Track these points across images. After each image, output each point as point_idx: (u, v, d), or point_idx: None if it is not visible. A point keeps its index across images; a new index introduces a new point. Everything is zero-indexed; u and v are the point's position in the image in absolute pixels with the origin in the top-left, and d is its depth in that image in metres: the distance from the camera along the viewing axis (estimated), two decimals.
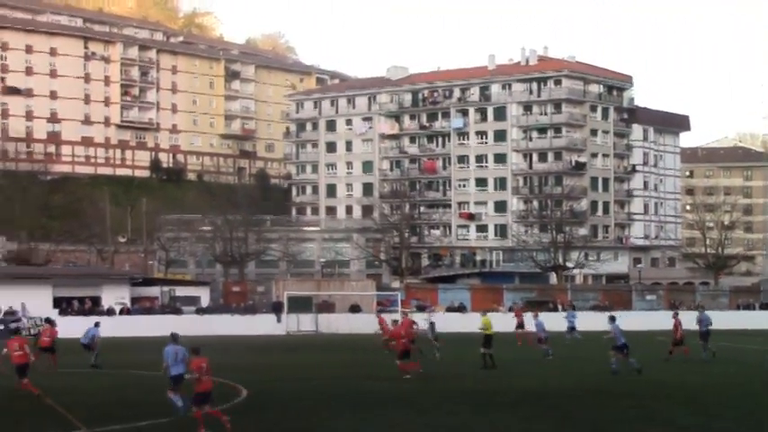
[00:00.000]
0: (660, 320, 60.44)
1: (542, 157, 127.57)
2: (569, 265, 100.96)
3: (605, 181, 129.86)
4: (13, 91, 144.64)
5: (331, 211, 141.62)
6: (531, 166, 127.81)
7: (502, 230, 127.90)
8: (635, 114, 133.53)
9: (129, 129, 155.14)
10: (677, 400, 28.82)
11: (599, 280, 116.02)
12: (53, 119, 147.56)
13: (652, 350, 43.46)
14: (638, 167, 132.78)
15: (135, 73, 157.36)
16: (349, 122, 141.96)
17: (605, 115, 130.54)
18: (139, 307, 70.85)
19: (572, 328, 57.31)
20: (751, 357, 45.35)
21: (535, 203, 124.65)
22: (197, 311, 71.00)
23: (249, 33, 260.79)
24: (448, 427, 23.62)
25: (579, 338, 55.09)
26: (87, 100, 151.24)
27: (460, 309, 75.19)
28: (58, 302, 67.73)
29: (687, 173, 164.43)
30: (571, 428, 23.71)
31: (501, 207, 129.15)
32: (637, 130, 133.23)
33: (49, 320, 43.21)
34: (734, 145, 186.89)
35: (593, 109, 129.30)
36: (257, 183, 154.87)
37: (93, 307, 68.16)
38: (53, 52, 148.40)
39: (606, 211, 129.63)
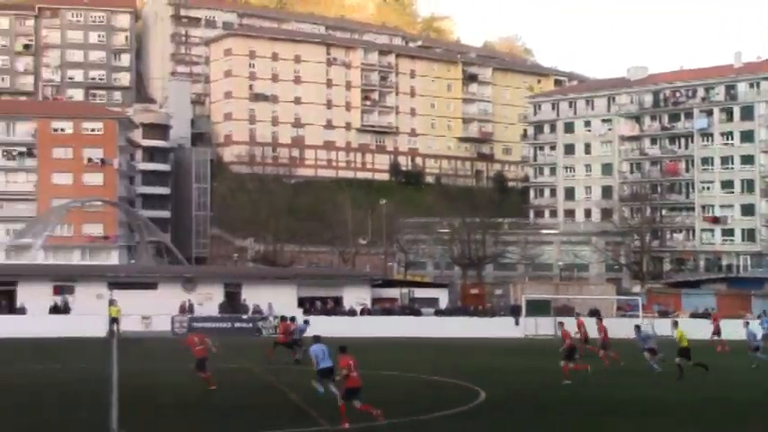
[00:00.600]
0: None
1: None
2: None
3: None
4: (261, 97, 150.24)
5: (569, 213, 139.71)
6: None
7: (749, 234, 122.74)
8: None
9: (369, 132, 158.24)
10: None
11: None
12: (297, 124, 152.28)
13: None
14: None
15: (375, 78, 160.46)
16: (588, 124, 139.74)
17: None
18: (379, 308, 71.84)
19: None
20: None
21: None
22: (435, 313, 71.46)
23: (486, 36, 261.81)
24: None
25: None
26: (329, 105, 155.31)
27: (706, 315, 72.39)
28: (302, 302, 69.60)
29: None
30: None
31: (749, 210, 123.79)
32: None
33: (283, 318, 44.67)
34: None
35: None
36: (495, 185, 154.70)
37: (334, 307, 69.73)
38: (297, 59, 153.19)
39: None
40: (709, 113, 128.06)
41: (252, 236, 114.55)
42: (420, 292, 76.53)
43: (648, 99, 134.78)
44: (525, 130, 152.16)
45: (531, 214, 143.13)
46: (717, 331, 52.35)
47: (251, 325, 63.90)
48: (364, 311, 69.43)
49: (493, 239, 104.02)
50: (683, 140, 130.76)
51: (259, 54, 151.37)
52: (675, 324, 39.84)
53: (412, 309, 71.86)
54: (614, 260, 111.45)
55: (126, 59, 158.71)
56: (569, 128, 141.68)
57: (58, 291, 66.87)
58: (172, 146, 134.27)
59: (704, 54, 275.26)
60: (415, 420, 24.46)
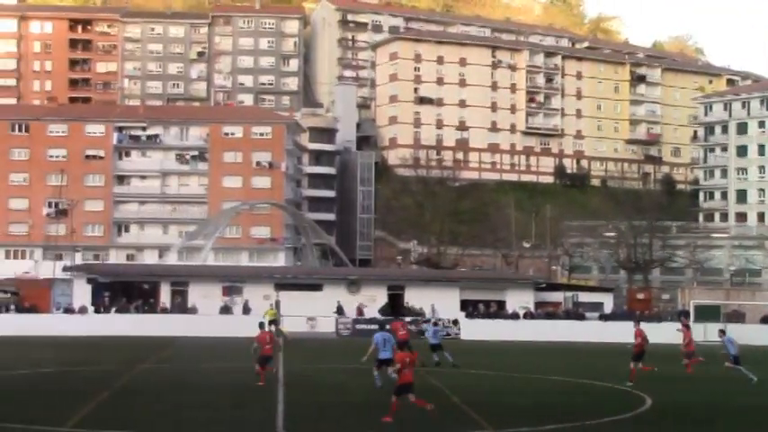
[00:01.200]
0: None
1: None
2: None
3: None
4: (426, 101, 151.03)
5: (741, 217, 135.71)
6: None
7: None
8: None
9: (534, 135, 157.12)
10: None
11: None
12: (461, 127, 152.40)
13: None
14: None
15: (540, 80, 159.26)
16: (762, 125, 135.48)
17: None
18: (542, 312, 71.31)
19: None
20: None
21: None
22: (600, 318, 70.44)
23: (656, 36, 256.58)
24: None
25: None
26: (494, 108, 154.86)
27: None
28: (464, 305, 69.71)
29: None
30: None
31: None
32: None
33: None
34: None
35: None
36: (663, 188, 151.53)
37: (497, 310, 69.56)
38: (462, 62, 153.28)
39: None
40: None
41: (415, 238, 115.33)
42: (584, 296, 75.55)
43: None
44: (695, 132, 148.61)
45: (701, 217, 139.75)
46: None
47: (414, 328, 64.27)
48: (527, 315, 69.04)
49: (660, 243, 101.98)
50: None
51: (424, 57, 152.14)
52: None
53: (576, 313, 71.03)
54: None
55: (294, 64, 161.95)
56: (742, 129, 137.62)
57: (226, 291, 68.80)
58: (338, 149, 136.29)
59: None
60: (579, 426, 24.19)
